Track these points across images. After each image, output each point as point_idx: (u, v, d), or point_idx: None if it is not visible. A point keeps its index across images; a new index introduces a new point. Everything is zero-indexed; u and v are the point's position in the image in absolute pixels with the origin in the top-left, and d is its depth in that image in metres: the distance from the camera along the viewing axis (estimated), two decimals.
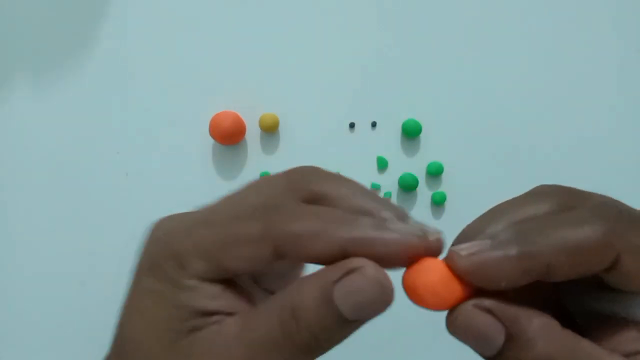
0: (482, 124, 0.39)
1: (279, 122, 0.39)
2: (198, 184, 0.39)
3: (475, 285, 0.18)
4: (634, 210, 0.19)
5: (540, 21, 0.40)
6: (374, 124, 0.39)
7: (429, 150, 0.39)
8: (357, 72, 0.39)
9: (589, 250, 0.17)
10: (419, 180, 0.38)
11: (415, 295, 0.18)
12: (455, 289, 0.18)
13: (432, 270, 0.18)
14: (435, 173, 0.38)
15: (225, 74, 0.39)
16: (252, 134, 0.39)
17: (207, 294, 0.18)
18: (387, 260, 0.17)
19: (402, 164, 0.39)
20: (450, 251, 0.18)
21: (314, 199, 0.19)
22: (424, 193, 0.39)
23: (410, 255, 0.18)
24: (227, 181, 0.39)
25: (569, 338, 0.18)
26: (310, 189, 0.19)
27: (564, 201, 0.19)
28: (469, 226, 0.20)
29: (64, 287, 0.38)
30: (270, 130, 0.38)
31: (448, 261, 0.18)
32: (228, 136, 0.37)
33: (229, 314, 0.18)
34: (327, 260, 0.18)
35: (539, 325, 0.18)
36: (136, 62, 0.39)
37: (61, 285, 0.38)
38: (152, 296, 0.19)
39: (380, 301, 0.17)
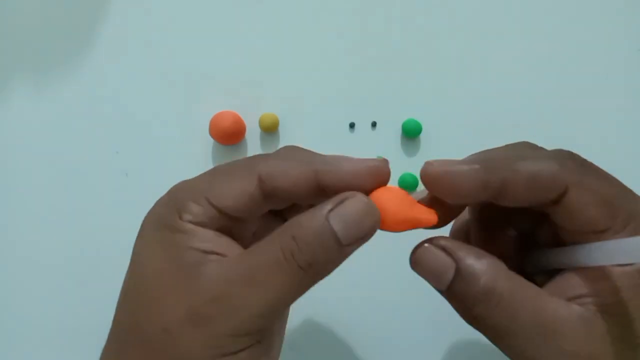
0: (483, 124, 0.39)
1: (279, 122, 0.39)
2: None
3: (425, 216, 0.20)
4: (595, 166, 0.22)
5: (541, 21, 0.40)
6: (374, 124, 0.39)
7: (429, 150, 0.39)
8: (357, 72, 0.39)
9: (541, 178, 0.20)
10: (419, 180, 0.38)
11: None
12: (408, 212, 0.20)
13: (387, 192, 0.20)
14: None
15: (225, 74, 0.39)
16: (252, 134, 0.39)
17: (201, 237, 0.20)
18: (354, 179, 0.20)
19: (402, 164, 0.39)
20: (425, 162, 0.21)
21: None
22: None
23: (372, 172, 0.21)
24: None
25: (513, 278, 0.20)
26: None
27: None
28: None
29: (64, 286, 0.38)
30: (270, 130, 0.38)
31: (422, 170, 0.21)
32: (228, 136, 0.37)
33: (225, 256, 0.20)
34: (303, 187, 0.21)
35: (485, 264, 0.20)
36: (136, 62, 0.39)
37: (61, 285, 0.38)
38: (157, 242, 0.21)
39: (369, 221, 0.19)
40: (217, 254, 0.20)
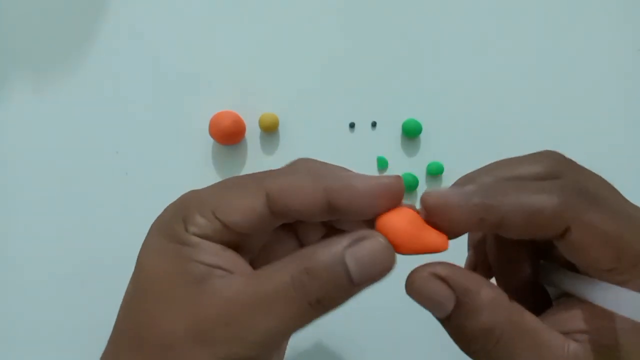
0: (482, 124, 0.39)
1: (278, 122, 0.39)
2: (198, 184, 0.38)
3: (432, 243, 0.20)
4: (605, 191, 0.21)
5: (540, 21, 0.40)
6: (374, 124, 0.39)
7: (429, 150, 0.39)
8: (357, 72, 0.39)
9: (540, 216, 0.19)
10: (419, 180, 0.38)
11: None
12: (418, 237, 0.19)
13: (399, 215, 0.20)
14: (435, 173, 0.38)
15: (225, 74, 0.39)
16: (252, 133, 0.39)
17: (206, 250, 0.20)
18: (366, 199, 0.19)
19: (402, 164, 0.39)
20: (424, 192, 0.20)
21: None
22: None
23: (386, 191, 0.20)
24: None
25: (513, 311, 0.20)
26: None
27: (552, 169, 0.21)
28: (463, 176, 0.22)
29: (64, 287, 0.38)
30: (270, 130, 0.38)
31: (420, 200, 0.20)
32: (228, 136, 0.37)
33: (231, 272, 0.20)
34: (313, 206, 0.20)
35: (486, 297, 0.19)
36: (136, 62, 0.39)
37: (61, 285, 0.38)
38: (163, 252, 0.20)
39: (385, 265, 0.19)
40: (222, 269, 0.20)
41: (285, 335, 0.19)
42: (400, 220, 0.19)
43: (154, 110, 0.39)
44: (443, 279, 0.19)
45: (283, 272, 0.19)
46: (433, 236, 0.20)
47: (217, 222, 0.20)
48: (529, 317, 0.20)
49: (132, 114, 0.39)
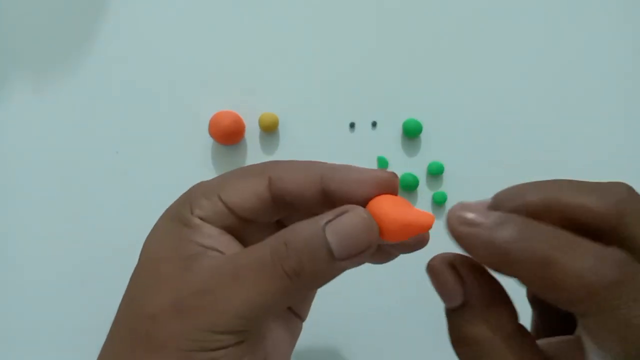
0: (483, 124, 0.39)
1: (278, 121, 0.39)
2: None
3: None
4: None
5: (540, 21, 0.40)
6: (374, 124, 0.39)
7: (430, 150, 0.39)
8: (357, 72, 0.39)
9: (568, 287, 0.16)
10: (420, 180, 0.38)
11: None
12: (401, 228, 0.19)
13: (384, 200, 0.20)
14: (435, 173, 0.38)
15: (225, 73, 0.39)
16: (252, 133, 0.39)
17: (205, 232, 0.21)
18: (359, 188, 0.20)
19: (403, 164, 0.39)
20: (451, 210, 0.18)
21: None
22: (424, 193, 0.39)
23: (379, 183, 0.20)
24: None
25: (516, 341, 0.18)
26: None
27: (618, 214, 0.18)
28: (508, 189, 0.19)
29: (64, 287, 0.38)
30: (269, 129, 0.38)
31: (447, 217, 0.18)
32: (227, 136, 0.37)
33: (223, 254, 0.21)
34: (307, 189, 0.21)
35: (492, 314, 0.18)
36: (136, 62, 0.39)
37: (61, 285, 0.38)
38: (166, 233, 0.22)
39: (366, 238, 0.19)
40: (217, 250, 0.21)
41: (264, 308, 0.19)
42: (386, 204, 0.20)
43: (153, 110, 0.39)
44: (459, 275, 0.19)
45: (264, 246, 0.19)
46: (419, 214, 0.19)
47: (221, 204, 0.21)
48: (529, 352, 0.18)
49: (131, 114, 0.39)
